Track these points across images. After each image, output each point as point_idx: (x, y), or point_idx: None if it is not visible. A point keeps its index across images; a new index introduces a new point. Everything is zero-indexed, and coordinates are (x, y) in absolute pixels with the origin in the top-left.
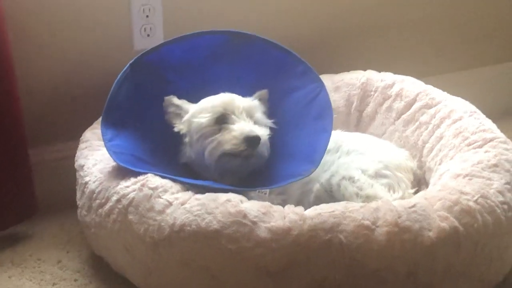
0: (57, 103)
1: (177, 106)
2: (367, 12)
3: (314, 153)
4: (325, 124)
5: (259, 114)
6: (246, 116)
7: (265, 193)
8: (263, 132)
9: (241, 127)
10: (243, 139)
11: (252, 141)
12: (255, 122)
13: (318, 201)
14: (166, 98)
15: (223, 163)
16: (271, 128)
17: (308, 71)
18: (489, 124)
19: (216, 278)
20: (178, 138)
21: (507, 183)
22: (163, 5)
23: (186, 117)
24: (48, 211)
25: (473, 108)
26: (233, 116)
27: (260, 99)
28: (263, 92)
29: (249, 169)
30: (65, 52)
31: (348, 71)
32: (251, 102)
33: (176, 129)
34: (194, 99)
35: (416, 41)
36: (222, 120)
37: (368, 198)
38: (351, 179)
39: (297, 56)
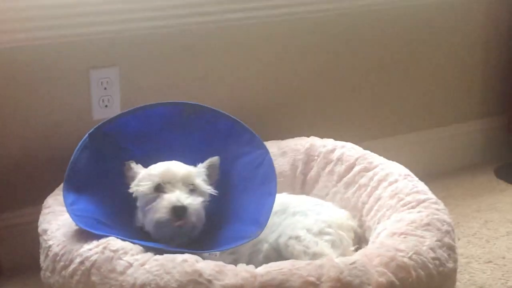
0: (19, 170)
1: (133, 171)
2: (307, 83)
3: (260, 216)
4: (270, 188)
5: (199, 181)
6: (182, 184)
7: (216, 255)
8: (192, 201)
9: (169, 197)
10: (170, 209)
11: (178, 210)
12: (194, 190)
13: (268, 260)
14: (126, 162)
15: (158, 230)
16: (220, 193)
17: (254, 139)
18: (421, 186)
19: None
20: (133, 202)
21: (438, 240)
22: (121, 78)
23: (133, 183)
24: (12, 274)
25: (407, 171)
26: (168, 185)
27: (210, 165)
28: (214, 159)
29: (187, 235)
30: (27, 121)
31: (293, 137)
32: (190, 170)
33: (130, 191)
34: (150, 165)
35: (353, 108)
36: (159, 188)
37: (315, 255)
38: (297, 238)
39: (244, 125)
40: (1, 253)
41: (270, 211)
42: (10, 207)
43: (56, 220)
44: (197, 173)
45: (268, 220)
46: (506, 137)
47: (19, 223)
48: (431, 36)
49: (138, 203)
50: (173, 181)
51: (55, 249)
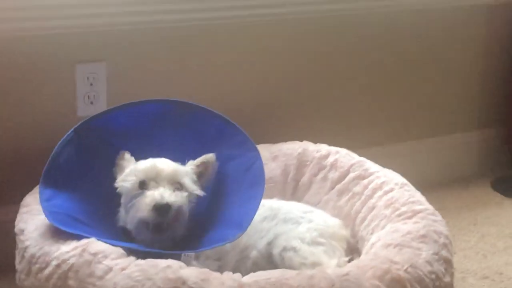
0: None
1: (124, 163)
2: (302, 87)
3: (242, 219)
4: (256, 192)
5: (186, 180)
6: (167, 182)
7: (191, 257)
8: (175, 198)
9: (152, 194)
10: (152, 207)
11: (160, 208)
12: (179, 188)
13: (256, 267)
14: (121, 152)
15: (139, 228)
16: (208, 195)
17: (246, 141)
18: (418, 196)
19: None
20: (117, 200)
21: (435, 253)
22: (108, 74)
23: (120, 177)
24: None
25: (403, 180)
26: (152, 182)
27: (204, 163)
28: (209, 156)
29: (170, 234)
30: (8, 116)
31: (285, 141)
32: (177, 168)
33: (116, 185)
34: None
35: (349, 114)
36: (143, 185)
37: (313, 266)
38: (293, 249)
39: (236, 126)
40: None
41: (253, 214)
42: None
43: (34, 220)
44: (185, 172)
45: (249, 223)
46: (504, 149)
47: None
48: (430, 45)
49: (122, 200)
50: (158, 179)
51: (31, 250)
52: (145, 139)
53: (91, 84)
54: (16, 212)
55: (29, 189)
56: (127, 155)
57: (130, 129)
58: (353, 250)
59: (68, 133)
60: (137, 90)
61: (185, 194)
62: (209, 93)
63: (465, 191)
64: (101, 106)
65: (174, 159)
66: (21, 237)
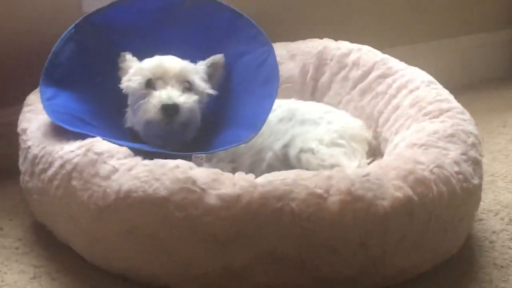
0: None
1: (127, 63)
2: None
3: (256, 120)
4: (271, 90)
5: (196, 79)
6: (176, 81)
7: (201, 158)
8: (185, 99)
9: (159, 94)
10: (160, 108)
11: (168, 109)
12: (189, 88)
13: (271, 169)
14: (121, 53)
15: (148, 130)
16: (219, 94)
17: (259, 35)
18: (446, 94)
19: (162, 246)
20: (124, 100)
21: (463, 153)
22: None
23: (125, 78)
24: None
25: (430, 78)
26: (159, 81)
27: (213, 64)
28: (218, 57)
29: (180, 138)
30: (9, 12)
31: (304, 39)
32: (186, 66)
33: (121, 86)
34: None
35: (374, 11)
36: (150, 85)
37: (332, 168)
38: (310, 151)
39: (249, 19)
40: None
41: (267, 114)
42: None
43: (37, 119)
44: (194, 69)
45: (263, 124)
46: None
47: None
48: None
49: (129, 101)
50: (165, 77)
51: (34, 150)
52: (150, 37)
53: None
54: (19, 113)
55: (32, 88)
56: (129, 56)
57: (133, 26)
58: (375, 153)
59: (68, 30)
60: None
61: (194, 96)
62: None
63: (495, 92)
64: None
65: (181, 57)
66: (24, 137)
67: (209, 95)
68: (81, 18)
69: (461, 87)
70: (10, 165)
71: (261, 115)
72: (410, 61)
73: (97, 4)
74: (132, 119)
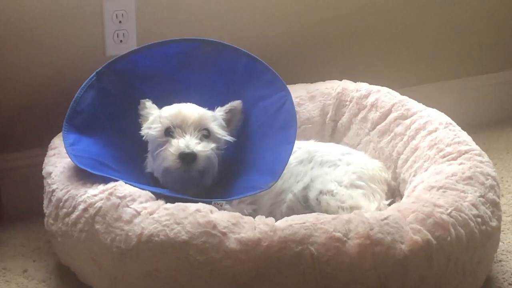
0: (26, 110)
1: (147, 110)
2: (342, 21)
3: (275, 166)
4: (289, 135)
5: (214, 126)
6: (194, 129)
7: (221, 205)
8: (202, 148)
9: (177, 143)
10: (178, 156)
11: (186, 157)
12: (206, 135)
13: (291, 211)
14: (141, 100)
15: (166, 177)
16: (237, 139)
17: (275, 80)
18: (464, 136)
19: None
20: (145, 146)
21: (481, 196)
22: (137, 10)
23: (145, 125)
24: (15, 219)
25: (448, 119)
26: (178, 129)
27: (232, 110)
28: (236, 103)
29: (199, 184)
30: (35, 58)
31: (324, 80)
32: (204, 113)
33: (141, 133)
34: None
35: (391, 51)
36: (168, 133)
37: (351, 210)
38: (329, 193)
39: (265, 64)
40: (4, 197)
41: (287, 161)
42: (15, 148)
43: (61, 162)
44: (212, 117)
45: (282, 171)
46: None
47: (24, 165)
48: None
49: (149, 147)
50: (184, 125)
51: (58, 194)
52: (170, 82)
53: (120, 22)
54: (44, 155)
55: (58, 131)
56: (148, 103)
57: (154, 72)
58: (394, 194)
59: (89, 78)
60: (167, 27)
61: (212, 144)
62: (240, 30)
63: None
64: (131, 44)
65: (200, 102)
66: (48, 180)
67: (228, 142)
68: (102, 66)
69: (480, 125)
70: (35, 206)
71: (280, 162)
72: (428, 100)
73: (121, 47)
74: (152, 164)
